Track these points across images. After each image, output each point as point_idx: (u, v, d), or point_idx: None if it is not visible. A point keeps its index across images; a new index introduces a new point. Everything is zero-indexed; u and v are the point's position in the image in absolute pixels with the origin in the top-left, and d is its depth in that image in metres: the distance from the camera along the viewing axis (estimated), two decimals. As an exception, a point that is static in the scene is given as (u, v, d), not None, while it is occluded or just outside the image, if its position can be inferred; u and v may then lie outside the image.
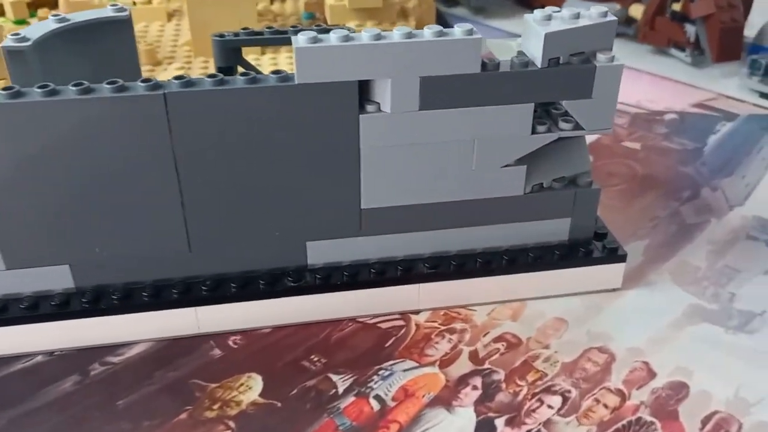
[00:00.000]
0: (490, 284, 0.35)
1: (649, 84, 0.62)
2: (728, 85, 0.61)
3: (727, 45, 0.62)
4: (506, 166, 0.33)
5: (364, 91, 0.30)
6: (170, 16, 0.64)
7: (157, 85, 0.29)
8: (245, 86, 0.29)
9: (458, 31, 0.30)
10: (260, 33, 0.38)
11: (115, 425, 0.29)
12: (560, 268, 0.35)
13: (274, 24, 0.63)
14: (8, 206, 0.29)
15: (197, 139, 0.30)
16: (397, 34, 0.29)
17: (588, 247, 0.36)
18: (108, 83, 0.28)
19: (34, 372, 0.32)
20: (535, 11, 0.32)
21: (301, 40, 0.29)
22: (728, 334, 0.34)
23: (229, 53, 0.38)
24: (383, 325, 0.34)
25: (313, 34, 0.29)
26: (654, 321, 0.35)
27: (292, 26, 0.39)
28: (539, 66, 0.31)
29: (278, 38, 0.37)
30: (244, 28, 0.38)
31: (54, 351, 0.32)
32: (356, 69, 0.29)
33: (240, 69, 0.38)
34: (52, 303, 0.32)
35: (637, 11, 0.67)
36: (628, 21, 0.68)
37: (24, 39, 0.32)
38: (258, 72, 0.33)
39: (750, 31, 0.64)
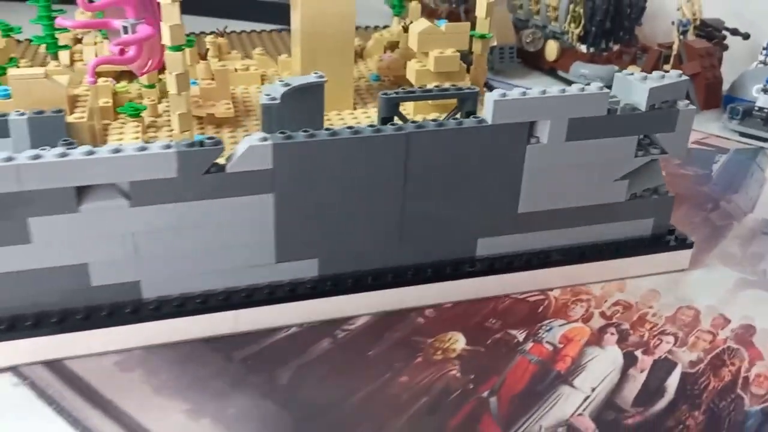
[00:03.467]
0: (603, 267, 0.48)
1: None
2: (714, 128, 0.78)
3: (711, 96, 0.79)
4: (616, 180, 0.47)
5: (530, 129, 0.44)
6: (264, 78, 0.76)
7: (401, 128, 0.41)
8: (454, 127, 0.42)
9: (594, 87, 0.44)
10: (413, 91, 0.51)
11: (374, 368, 0.41)
12: (648, 254, 0.49)
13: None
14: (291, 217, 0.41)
15: (424, 167, 0.42)
16: (555, 89, 0.43)
17: (666, 238, 0.50)
18: (369, 126, 0.41)
19: (295, 338, 0.43)
20: (634, 74, 0.46)
21: (495, 93, 0.42)
22: (770, 295, 0.49)
23: (391, 107, 0.51)
24: (530, 299, 0.47)
25: (501, 90, 0.42)
26: (717, 289, 0.49)
27: (453, 85, 0.52)
28: (643, 110, 0.45)
29: (439, 94, 0.50)
30: (402, 87, 0.51)
31: (303, 323, 0.44)
32: (530, 113, 0.43)
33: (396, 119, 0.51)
34: (307, 286, 0.43)
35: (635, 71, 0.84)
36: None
37: (273, 98, 0.45)
38: (406, 120, 0.46)
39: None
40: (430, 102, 0.65)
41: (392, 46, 0.84)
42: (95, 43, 0.72)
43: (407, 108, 0.62)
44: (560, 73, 0.92)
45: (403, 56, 0.76)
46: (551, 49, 0.91)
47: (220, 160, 0.40)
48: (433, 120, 0.42)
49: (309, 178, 0.41)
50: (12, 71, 0.55)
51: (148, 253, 0.40)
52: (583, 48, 0.89)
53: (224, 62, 0.69)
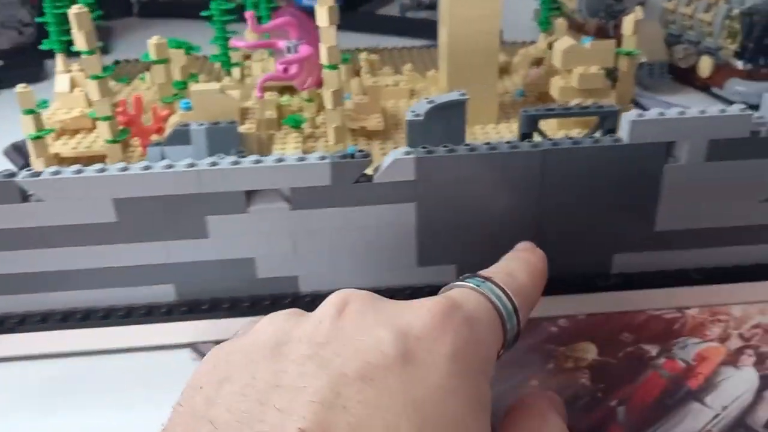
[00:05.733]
0: (744, 289, 0.48)
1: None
2: None
3: None
4: (761, 201, 0.46)
5: (668, 148, 0.44)
6: (412, 94, 0.80)
7: (537, 145, 0.44)
8: (590, 145, 0.44)
9: (735, 108, 0.44)
10: (553, 109, 0.53)
11: (507, 370, 0.43)
12: (795, 278, 0.48)
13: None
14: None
15: (559, 183, 0.44)
16: (694, 110, 0.44)
17: (816, 263, 0.48)
18: (507, 142, 0.44)
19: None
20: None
21: (633, 113, 0.43)
22: None
23: (532, 124, 0.53)
24: (666, 316, 0.47)
25: (638, 111, 0.43)
26: None
27: (594, 102, 0.53)
28: (791, 131, 0.44)
29: (580, 112, 0.52)
30: (542, 106, 0.54)
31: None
32: (668, 134, 0.43)
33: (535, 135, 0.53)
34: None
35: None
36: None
37: (417, 114, 0.49)
38: (545, 136, 0.48)
39: None
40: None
41: (538, 62, 0.86)
42: (261, 60, 0.80)
43: (551, 123, 0.64)
44: (714, 90, 0.89)
45: (548, 73, 0.78)
46: (705, 66, 0.88)
47: (368, 170, 0.44)
48: (569, 138, 0.44)
49: (448, 190, 0.44)
50: (193, 86, 0.63)
51: (306, 251, 0.45)
52: (740, 64, 0.86)
53: (376, 78, 0.74)
